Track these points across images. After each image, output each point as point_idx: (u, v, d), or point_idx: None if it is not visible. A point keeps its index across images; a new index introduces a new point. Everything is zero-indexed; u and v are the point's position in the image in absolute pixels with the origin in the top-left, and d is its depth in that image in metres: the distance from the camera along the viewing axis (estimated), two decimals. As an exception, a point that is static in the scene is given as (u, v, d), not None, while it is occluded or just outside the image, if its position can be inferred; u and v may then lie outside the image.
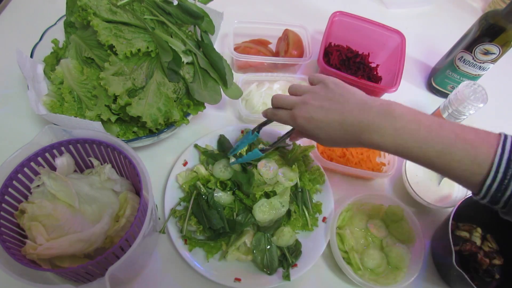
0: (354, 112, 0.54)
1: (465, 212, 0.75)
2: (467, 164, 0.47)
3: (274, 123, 0.69)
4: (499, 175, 0.45)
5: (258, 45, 1.03)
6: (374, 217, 0.81)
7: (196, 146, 0.83)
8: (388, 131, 0.51)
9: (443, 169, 0.50)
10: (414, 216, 0.78)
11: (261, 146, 0.79)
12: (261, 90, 0.94)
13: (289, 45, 0.99)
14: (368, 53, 1.06)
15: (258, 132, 0.72)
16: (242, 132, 0.86)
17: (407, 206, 0.79)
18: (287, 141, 0.74)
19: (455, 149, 0.47)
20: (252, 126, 0.86)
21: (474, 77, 0.98)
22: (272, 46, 1.07)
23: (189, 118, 0.78)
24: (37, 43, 0.79)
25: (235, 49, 0.98)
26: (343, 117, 0.55)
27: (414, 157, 0.52)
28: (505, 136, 0.47)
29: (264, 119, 0.70)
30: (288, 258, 0.71)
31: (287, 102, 0.63)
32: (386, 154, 0.90)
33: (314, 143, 0.84)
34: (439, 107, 0.91)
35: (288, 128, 0.69)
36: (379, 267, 0.74)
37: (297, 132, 0.68)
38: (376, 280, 0.73)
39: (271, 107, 0.67)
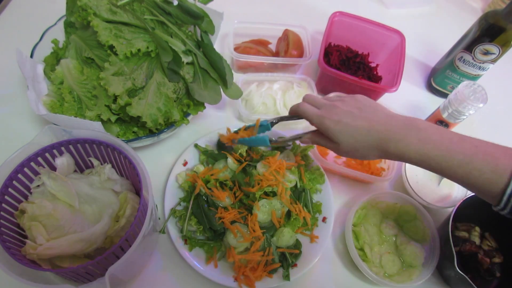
0: (382, 122, 0.58)
1: (463, 212, 0.76)
2: (487, 173, 0.49)
3: (280, 124, 0.69)
4: None
5: (258, 45, 1.03)
6: (388, 216, 0.82)
7: (196, 146, 0.83)
8: (413, 141, 0.55)
9: (464, 179, 0.52)
10: (427, 214, 0.79)
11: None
12: (261, 90, 0.94)
13: (289, 45, 0.99)
14: (368, 53, 1.06)
15: (274, 123, 0.73)
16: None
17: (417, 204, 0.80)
18: (298, 142, 0.74)
19: (476, 159, 0.50)
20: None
21: (474, 77, 0.98)
22: (272, 46, 1.07)
23: (189, 118, 0.78)
24: (37, 43, 0.79)
25: (235, 49, 0.98)
26: (371, 125, 0.58)
27: (437, 167, 0.55)
28: None
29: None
30: (288, 258, 0.71)
31: (317, 101, 0.65)
32: (386, 160, 0.91)
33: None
34: (439, 107, 0.91)
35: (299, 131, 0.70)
36: (394, 267, 0.76)
37: (314, 135, 0.68)
38: (391, 278, 0.74)
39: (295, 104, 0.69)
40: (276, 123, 0.73)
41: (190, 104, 0.77)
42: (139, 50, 0.70)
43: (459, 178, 0.53)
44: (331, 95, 0.92)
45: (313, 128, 0.68)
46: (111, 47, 0.69)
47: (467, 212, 0.77)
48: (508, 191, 0.46)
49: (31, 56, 0.77)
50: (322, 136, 0.65)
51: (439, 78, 1.05)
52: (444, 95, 1.08)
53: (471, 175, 0.51)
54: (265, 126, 0.73)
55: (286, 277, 0.70)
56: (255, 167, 0.78)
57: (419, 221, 0.80)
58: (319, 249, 0.74)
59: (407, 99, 1.07)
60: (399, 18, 1.26)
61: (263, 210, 0.72)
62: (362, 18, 1.01)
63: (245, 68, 1.01)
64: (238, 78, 0.90)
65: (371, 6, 1.29)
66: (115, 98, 0.69)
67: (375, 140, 0.58)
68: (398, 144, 0.55)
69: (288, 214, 0.75)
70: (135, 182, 0.67)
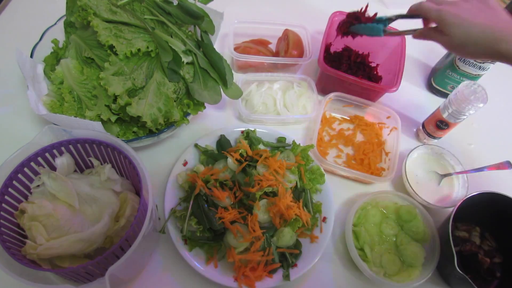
0: (500, 23, 0.60)
1: (464, 212, 0.76)
2: None
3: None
4: None
5: (258, 45, 1.03)
6: (388, 216, 0.82)
7: (196, 145, 0.83)
8: None
9: None
10: (428, 214, 0.79)
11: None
12: (261, 90, 0.94)
13: (289, 45, 0.99)
14: (368, 53, 1.06)
15: (392, 20, 0.75)
16: (242, 132, 0.86)
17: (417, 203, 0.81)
18: (411, 36, 0.75)
19: None
20: (252, 126, 0.87)
21: (474, 77, 0.98)
22: (272, 46, 1.07)
23: (189, 118, 0.78)
24: (37, 43, 0.79)
25: (235, 49, 0.98)
26: (488, 24, 0.60)
27: None
28: None
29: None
30: (288, 258, 0.71)
31: None
32: (387, 159, 0.91)
33: (313, 142, 0.84)
34: (439, 107, 0.91)
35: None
36: (394, 266, 0.76)
37: (426, 30, 0.70)
38: (391, 278, 0.74)
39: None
40: (394, 20, 0.75)
41: (190, 104, 0.77)
42: (139, 50, 0.70)
43: None
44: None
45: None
46: (111, 47, 0.69)
47: (467, 212, 0.77)
48: None
49: (31, 56, 0.77)
50: (434, 30, 0.67)
51: (439, 78, 1.05)
52: (444, 95, 1.08)
53: None
54: (382, 21, 0.76)
55: (286, 277, 0.70)
56: (255, 167, 0.78)
57: (419, 221, 0.80)
58: (319, 249, 0.74)
59: (407, 99, 1.06)
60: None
61: (263, 210, 0.72)
62: (362, 18, 1.01)
63: (245, 68, 1.01)
64: (238, 78, 0.90)
65: (371, 6, 1.28)
66: (115, 98, 0.69)
67: (488, 38, 0.60)
68: (508, 45, 0.58)
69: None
70: (135, 182, 0.67)
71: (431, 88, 1.09)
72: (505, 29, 0.60)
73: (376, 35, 0.75)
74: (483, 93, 0.83)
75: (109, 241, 0.61)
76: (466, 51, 0.64)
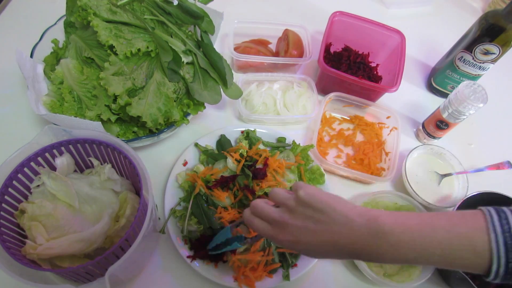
0: (344, 234, 0.50)
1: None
2: (470, 259, 0.47)
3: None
4: (502, 260, 0.45)
5: (258, 45, 1.03)
6: None
7: (196, 145, 0.83)
8: (383, 248, 0.48)
9: (450, 268, 0.49)
10: (426, 212, 0.79)
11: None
12: (261, 90, 0.94)
13: (289, 45, 0.99)
14: (368, 53, 1.06)
15: (236, 227, 0.65)
16: (242, 132, 0.86)
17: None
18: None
19: (454, 249, 0.47)
20: (252, 126, 0.87)
21: (474, 77, 0.98)
22: (272, 46, 1.07)
23: (189, 118, 0.78)
24: (37, 43, 0.79)
25: (235, 49, 0.98)
26: (335, 239, 0.50)
27: (418, 264, 0.51)
28: (490, 216, 0.47)
29: None
30: (288, 258, 0.71)
31: (265, 214, 0.54)
32: (387, 159, 0.91)
33: (313, 142, 0.84)
34: (439, 107, 0.91)
35: None
36: (394, 266, 0.75)
37: None
38: (391, 278, 0.74)
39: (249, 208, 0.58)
40: (237, 226, 0.65)
41: (190, 104, 0.77)
42: (139, 50, 0.70)
43: (446, 267, 0.50)
44: (331, 94, 0.92)
45: None
46: (111, 47, 0.69)
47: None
48: (494, 268, 0.45)
49: (31, 56, 0.77)
50: None
51: (439, 78, 1.05)
52: (444, 95, 1.08)
53: (455, 264, 0.48)
54: (229, 233, 0.64)
55: (286, 277, 0.70)
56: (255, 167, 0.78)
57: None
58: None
59: (407, 99, 1.07)
60: (399, 18, 1.26)
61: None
62: (362, 18, 1.01)
63: (245, 68, 1.01)
64: (238, 78, 0.90)
65: (371, 6, 1.29)
66: (115, 98, 0.69)
67: (344, 253, 0.51)
68: (371, 256, 0.50)
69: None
70: (135, 182, 0.67)
71: (431, 88, 1.09)
72: (353, 242, 0.50)
73: (237, 247, 0.63)
74: (483, 93, 0.83)
75: (109, 241, 0.61)
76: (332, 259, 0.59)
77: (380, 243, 0.48)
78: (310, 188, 0.53)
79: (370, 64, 1.06)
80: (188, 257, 0.69)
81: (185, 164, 0.80)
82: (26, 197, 0.61)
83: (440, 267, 0.50)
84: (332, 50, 1.07)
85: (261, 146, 0.84)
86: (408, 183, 0.84)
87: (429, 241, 0.48)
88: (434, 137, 0.95)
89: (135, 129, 0.77)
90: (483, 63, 0.93)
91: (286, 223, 0.52)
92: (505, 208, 0.49)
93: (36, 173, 0.61)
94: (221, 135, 0.84)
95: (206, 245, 0.67)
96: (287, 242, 0.53)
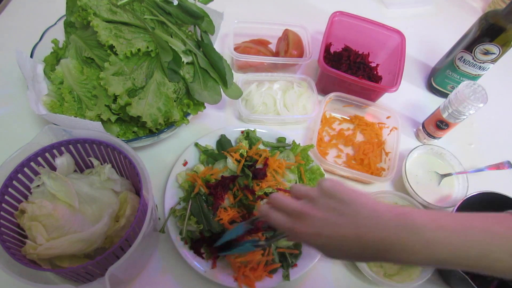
0: (371, 228, 0.46)
1: (463, 212, 0.76)
2: (508, 261, 0.43)
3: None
4: None
5: (258, 45, 1.03)
6: None
7: (196, 144, 0.83)
8: (417, 247, 0.44)
9: (487, 271, 0.45)
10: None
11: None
12: (261, 90, 0.94)
13: (289, 45, 0.99)
14: (368, 53, 1.06)
15: (251, 225, 0.62)
16: (242, 132, 0.86)
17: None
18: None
19: (492, 250, 0.43)
20: (252, 126, 0.87)
21: (474, 77, 0.98)
22: (272, 46, 1.07)
23: (189, 118, 0.78)
24: (37, 43, 0.79)
25: (235, 49, 0.98)
26: (359, 233, 0.46)
27: (454, 266, 0.46)
28: None
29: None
30: (288, 258, 0.71)
31: (285, 205, 0.51)
32: (387, 159, 0.91)
33: (313, 142, 0.84)
34: (439, 107, 0.91)
35: None
36: (394, 266, 0.75)
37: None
38: (391, 278, 0.74)
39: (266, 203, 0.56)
40: (251, 223, 0.62)
41: (190, 104, 0.77)
42: (139, 50, 0.70)
43: (481, 270, 0.45)
44: (331, 94, 0.92)
45: None
46: (111, 47, 0.69)
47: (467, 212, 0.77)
48: None
49: (31, 56, 0.77)
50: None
51: (439, 78, 1.05)
52: (444, 95, 1.08)
53: (493, 267, 0.44)
54: (241, 230, 0.62)
55: (286, 277, 0.70)
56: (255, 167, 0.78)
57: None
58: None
59: (407, 99, 1.07)
60: (399, 18, 1.26)
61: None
62: (362, 18, 1.01)
63: (245, 68, 1.01)
64: (238, 78, 0.90)
65: (371, 6, 1.29)
66: (115, 98, 0.69)
67: (369, 250, 0.46)
68: (402, 254, 0.45)
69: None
70: (135, 182, 0.67)
71: (431, 88, 1.09)
72: (382, 238, 0.46)
73: (249, 250, 0.62)
74: (483, 93, 0.83)
75: (109, 241, 0.61)
76: (353, 259, 0.55)
77: (414, 239, 0.44)
78: (335, 181, 0.50)
79: (370, 64, 1.06)
80: (195, 252, 0.69)
81: (185, 164, 0.80)
82: (26, 197, 0.61)
83: (473, 270, 0.45)
84: (332, 50, 1.07)
85: (261, 146, 0.84)
86: (408, 183, 0.84)
87: (466, 241, 0.44)
88: (434, 137, 0.95)
89: (135, 129, 0.77)
90: (483, 63, 0.93)
91: (307, 213, 0.48)
92: None
93: (36, 173, 0.61)
94: (221, 135, 0.84)
95: (206, 244, 0.67)
96: (306, 235, 0.48)
